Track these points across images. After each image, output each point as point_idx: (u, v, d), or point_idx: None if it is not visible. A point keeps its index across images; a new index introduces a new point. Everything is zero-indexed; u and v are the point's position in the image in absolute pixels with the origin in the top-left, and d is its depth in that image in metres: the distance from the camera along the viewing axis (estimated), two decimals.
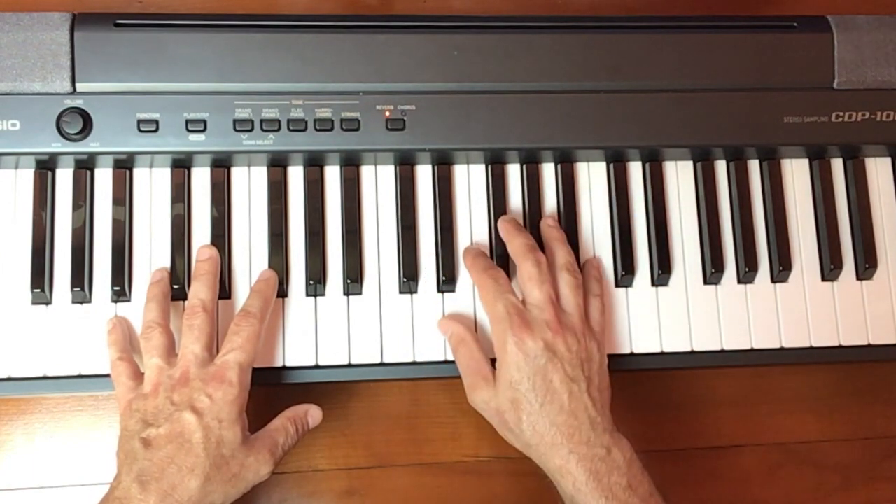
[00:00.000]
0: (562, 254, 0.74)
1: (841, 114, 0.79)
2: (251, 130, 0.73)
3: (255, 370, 0.72)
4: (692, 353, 0.77)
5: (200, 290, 0.70)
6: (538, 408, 0.67)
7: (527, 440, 0.68)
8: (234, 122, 0.73)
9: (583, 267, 0.76)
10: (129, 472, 0.62)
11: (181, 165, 0.75)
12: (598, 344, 0.71)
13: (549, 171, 0.79)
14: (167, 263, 0.74)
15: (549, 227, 0.76)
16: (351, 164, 0.77)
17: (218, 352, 0.68)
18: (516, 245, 0.73)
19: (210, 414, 0.64)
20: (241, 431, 0.65)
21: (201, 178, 0.76)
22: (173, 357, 0.68)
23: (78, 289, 0.72)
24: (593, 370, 0.69)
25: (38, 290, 0.72)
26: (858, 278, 0.80)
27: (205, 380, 0.65)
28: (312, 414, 0.71)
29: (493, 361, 0.71)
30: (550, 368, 0.67)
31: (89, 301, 0.73)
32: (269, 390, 0.77)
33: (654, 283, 0.78)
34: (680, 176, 0.80)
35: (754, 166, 0.81)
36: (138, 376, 0.68)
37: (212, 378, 0.65)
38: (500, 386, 0.69)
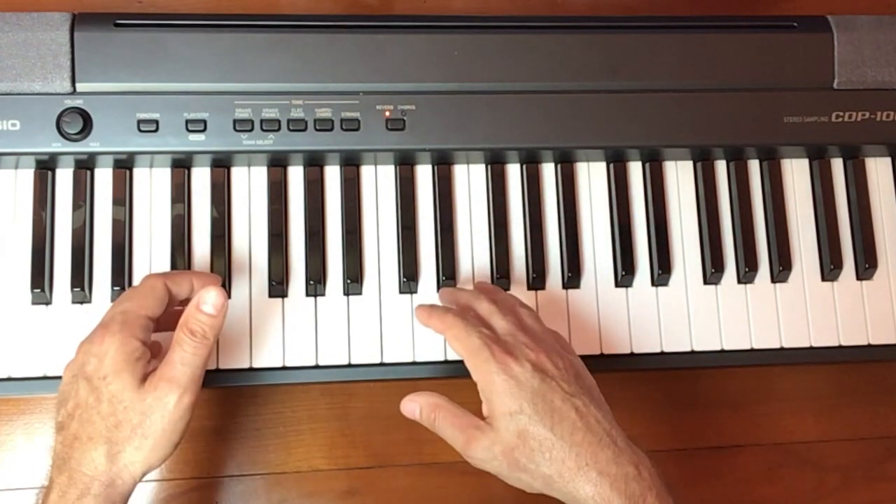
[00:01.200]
0: (476, 296, 0.70)
1: (841, 114, 0.79)
2: (251, 130, 0.73)
3: (255, 370, 0.72)
4: (692, 353, 0.77)
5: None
6: (549, 433, 0.61)
7: (546, 473, 0.61)
8: (234, 122, 0.73)
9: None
10: (52, 462, 0.61)
11: (181, 165, 0.75)
12: (574, 357, 0.67)
13: (549, 171, 0.79)
14: (167, 264, 0.74)
15: (447, 292, 0.73)
16: (351, 164, 0.77)
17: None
18: (460, 305, 0.70)
19: (97, 374, 0.60)
20: (132, 378, 0.60)
21: (201, 178, 0.76)
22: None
23: (78, 289, 0.72)
24: (586, 384, 0.65)
25: (38, 290, 0.72)
26: (858, 278, 0.80)
27: (90, 341, 0.62)
28: (206, 299, 0.62)
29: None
30: (546, 389, 0.62)
31: (89, 301, 0.73)
32: (269, 390, 0.78)
33: (654, 283, 0.78)
34: (680, 176, 0.80)
35: (754, 166, 0.81)
36: None
37: (95, 338, 0.62)
38: (499, 423, 0.62)
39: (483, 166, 0.79)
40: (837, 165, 0.82)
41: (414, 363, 0.74)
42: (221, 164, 0.76)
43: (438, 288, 0.76)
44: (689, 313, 0.78)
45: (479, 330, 0.65)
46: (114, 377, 0.60)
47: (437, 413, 0.65)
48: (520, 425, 0.62)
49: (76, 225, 0.74)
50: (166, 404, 0.60)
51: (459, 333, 0.65)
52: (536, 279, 0.77)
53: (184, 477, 0.76)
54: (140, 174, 0.75)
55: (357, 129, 0.74)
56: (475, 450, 0.63)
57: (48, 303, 0.73)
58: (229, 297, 0.74)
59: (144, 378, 0.61)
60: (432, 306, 0.70)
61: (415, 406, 0.66)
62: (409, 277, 0.75)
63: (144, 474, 0.62)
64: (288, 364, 0.73)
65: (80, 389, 0.61)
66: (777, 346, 0.78)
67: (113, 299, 0.73)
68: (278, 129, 0.73)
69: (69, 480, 0.60)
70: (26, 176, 0.74)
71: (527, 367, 0.63)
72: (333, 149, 0.75)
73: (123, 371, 0.60)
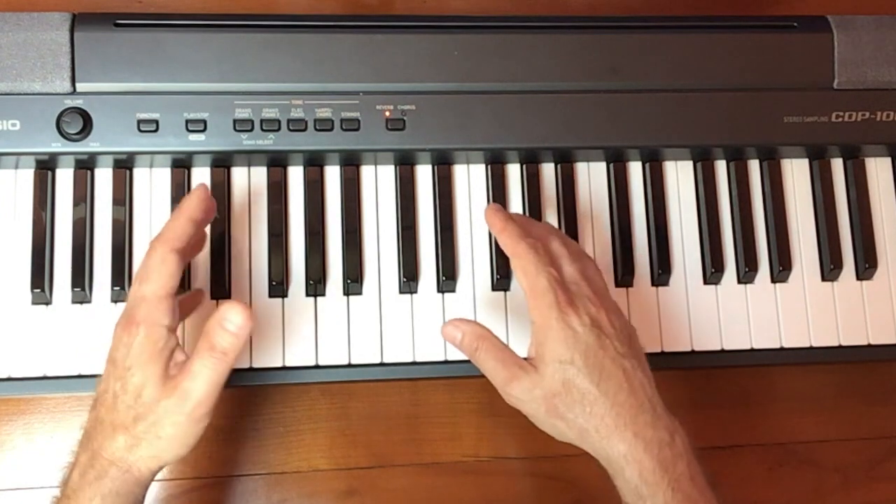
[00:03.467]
0: (549, 232, 0.69)
1: (841, 114, 0.79)
2: (251, 130, 0.73)
3: (254, 370, 0.72)
4: (692, 352, 0.77)
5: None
6: (594, 388, 0.62)
7: (582, 426, 0.62)
8: (234, 122, 0.73)
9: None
10: (80, 438, 0.62)
11: (181, 165, 0.75)
12: (628, 321, 0.68)
13: (549, 171, 0.79)
14: None
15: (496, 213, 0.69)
16: (351, 164, 0.77)
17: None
18: (533, 236, 0.68)
19: (123, 364, 0.60)
20: (157, 371, 0.59)
21: (201, 179, 0.76)
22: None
23: (78, 289, 0.72)
24: (637, 348, 0.66)
25: (38, 290, 0.72)
26: (858, 278, 0.80)
27: (121, 325, 0.61)
28: (229, 317, 0.59)
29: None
30: (600, 346, 0.63)
31: (89, 301, 0.73)
32: (269, 390, 0.78)
33: (654, 283, 0.78)
34: (680, 176, 0.80)
35: (754, 166, 0.81)
36: None
37: (124, 325, 0.60)
38: (546, 368, 0.63)
39: (483, 166, 0.79)
40: (837, 165, 0.82)
41: (414, 363, 0.74)
42: (221, 164, 0.76)
43: (439, 288, 0.76)
44: (689, 313, 0.78)
45: (548, 270, 0.64)
46: (137, 369, 0.59)
47: (480, 343, 0.65)
48: (567, 375, 0.62)
49: (76, 225, 0.74)
50: (180, 413, 0.59)
51: (529, 268, 0.65)
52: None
53: (184, 477, 0.76)
54: (140, 174, 0.75)
55: (357, 129, 0.74)
56: (515, 388, 0.64)
57: (48, 303, 0.72)
58: (229, 297, 0.74)
59: (169, 370, 0.60)
60: (507, 216, 0.68)
61: (458, 332, 0.66)
62: (409, 277, 0.75)
63: (160, 468, 0.62)
64: (288, 364, 0.73)
65: (110, 375, 0.61)
66: (777, 346, 0.78)
67: (113, 299, 0.73)
68: (278, 129, 0.73)
69: (90, 461, 0.60)
70: (26, 176, 0.74)
71: (586, 320, 0.63)
72: (333, 149, 0.75)
73: (148, 364, 0.59)
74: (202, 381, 0.59)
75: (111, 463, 0.60)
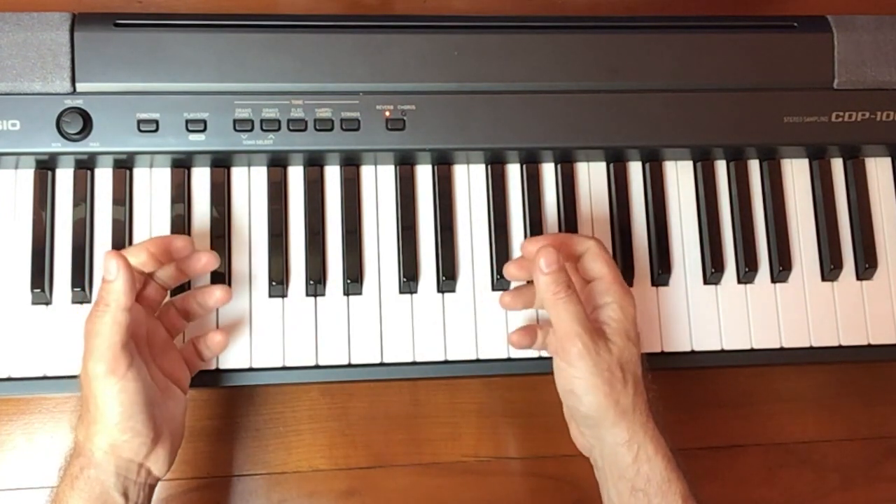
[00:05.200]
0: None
1: (841, 114, 0.79)
2: (251, 130, 0.73)
3: (255, 370, 0.72)
4: (692, 353, 0.77)
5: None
6: (639, 371, 0.67)
7: (631, 403, 0.66)
8: (234, 122, 0.73)
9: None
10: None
11: (181, 165, 0.75)
12: None
13: (549, 171, 0.79)
14: None
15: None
16: (351, 164, 0.77)
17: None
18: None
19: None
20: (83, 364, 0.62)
21: (201, 178, 0.76)
22: None
23: (78, 289, 0.72)
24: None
25: (38, 290, 0.72)
26: (858, 278, 0.80)
27: None
28: (105, 267, 0.62)
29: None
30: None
31: (89, 301, 0.73)
32: (269, 390, 0.78)
33: (653, 283, 0.78)
34: (680, 176, 0.80)
35: (754, 166, 0.81)
36: None
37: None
38: (617, 338, 0.67)
39: (483, 166, 0.79)
40: (837, 165, 0.82)
41: (414, 363, 0.74)
42: (221, 164, 0.76)
43: (439, 288, 0.76)
44: (689, 313, 0.78)
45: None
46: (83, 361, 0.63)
47: (572, 289, 0.67)
48: (633, 353, 0.67)
49: (76, 225, 0.73)
50: (86, 373, 0.61)
51: (608, 257, 0.70)
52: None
53: (184, 477, 0.76)
54: (140, 174, 0.75)
55: (357, 129, 0.74)
56: (595, 345, 0.65)
57: (48, 303, 0.72)
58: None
59: None
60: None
61: (554, 262, 0.66)
62: (409, 277, 0.75)
63: (111, 447, 0.61)
64: (288, 364, 0.73)
65: None
66: (777, 346, 0.78)
67: None
68: (278, 129, 0.73)
69: (73, 451, 0.63)
70: (26, 176, 0.74)
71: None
72: (333, 149, 0.75)
73: (84, 363, 0.62)
74: (96, 336, 0.61)
75: (78, 455, 0.62)
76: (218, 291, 0.70)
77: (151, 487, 0.65)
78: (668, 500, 0.64)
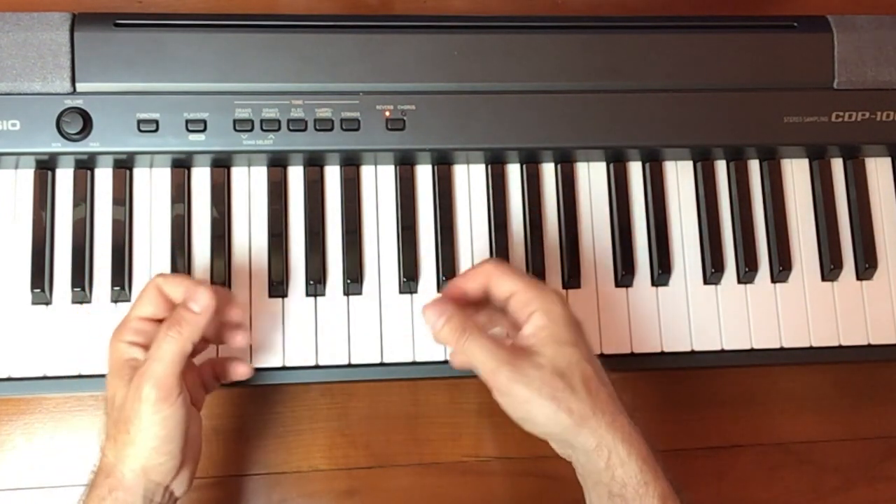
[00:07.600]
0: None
1: (841, 114, 0.79)
2: (251, 130, 0.73)
3: (255, 370, 0.72)
4: (692, 353, 0.77)
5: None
6: (591, 369, 0.63)
7: (589, 406, 0.61)
8: (234, 122, 0.73)
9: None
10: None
11: (181, 165, 0.75)
12: None
13: (549, 171, 0.79)
14: (167, 264, 0.74)
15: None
16: (351, 164, 0.77)
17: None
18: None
19: (107, 384, 0.64)
20: (121, 380, 0.62)
21: (201, 179, 0.76)
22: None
23: (78, 289, 0.72)
24: None
25: (38, 290, 0.72)
26: (858, 278, 0.80)
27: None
28: (196, 298, 0.62)
29: None
30: (585, 339, 0.65)
31: (89, 301, 0.73)
32: (269, 390, 0.78)
33: (654, 283, 0.78)
34: (680, 176, 0.80)
35: (754, 166, 0.81)
36: None
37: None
38: (546, 349, 0.62)
39: (483, 166, 0.79)
40: (837, 165, 0.82)
41: (414, 363, 0.74)
42: (221, 164, 0.76)
43: (439, 288, 0.76)
44: (689, 313, 0.78)
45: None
46: (109, 379, 0.63)
47: (471, 331, 0.63)
48: (572, 357, 0.62)
49: (76, 225, 0.74)
50: (138, 396, 0.60)
51: (511, 270, 0.66)
52: (536, 278, 0.77)
53: None
54: (140, 174, 0.75)
55: (357, 129, 0.74)
56: (519, 369, 0.61)
57: (48, 303, 0.72)
58: None
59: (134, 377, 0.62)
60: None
61: (441, 316, 0.64)
62: (409, 277, 0.75)
63: (143, 470, 0.61)
64: (288, 364, 0.73)
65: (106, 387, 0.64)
66: (777, 346, 0.78)
67: (113, 299, 0.73)
68: (278, 129, 0.73)
69: (99, 466, 0.62)
70: (26, 176, 0.74)
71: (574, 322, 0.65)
72: (333, 149, 0.75)
73: (114, 376, 0.62)
74: (156, 361, 0.60)
75: (110, 472, 0.61)
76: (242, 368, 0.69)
77: None
78: (647, 503, 0.62)
